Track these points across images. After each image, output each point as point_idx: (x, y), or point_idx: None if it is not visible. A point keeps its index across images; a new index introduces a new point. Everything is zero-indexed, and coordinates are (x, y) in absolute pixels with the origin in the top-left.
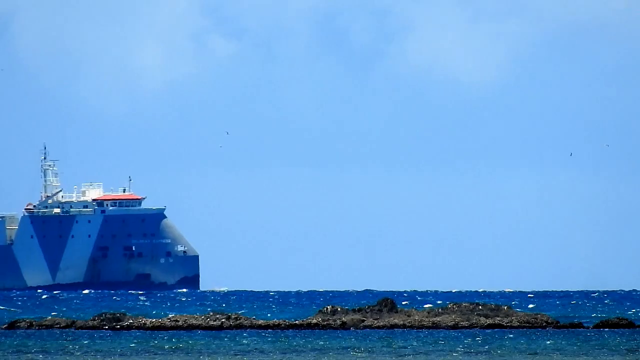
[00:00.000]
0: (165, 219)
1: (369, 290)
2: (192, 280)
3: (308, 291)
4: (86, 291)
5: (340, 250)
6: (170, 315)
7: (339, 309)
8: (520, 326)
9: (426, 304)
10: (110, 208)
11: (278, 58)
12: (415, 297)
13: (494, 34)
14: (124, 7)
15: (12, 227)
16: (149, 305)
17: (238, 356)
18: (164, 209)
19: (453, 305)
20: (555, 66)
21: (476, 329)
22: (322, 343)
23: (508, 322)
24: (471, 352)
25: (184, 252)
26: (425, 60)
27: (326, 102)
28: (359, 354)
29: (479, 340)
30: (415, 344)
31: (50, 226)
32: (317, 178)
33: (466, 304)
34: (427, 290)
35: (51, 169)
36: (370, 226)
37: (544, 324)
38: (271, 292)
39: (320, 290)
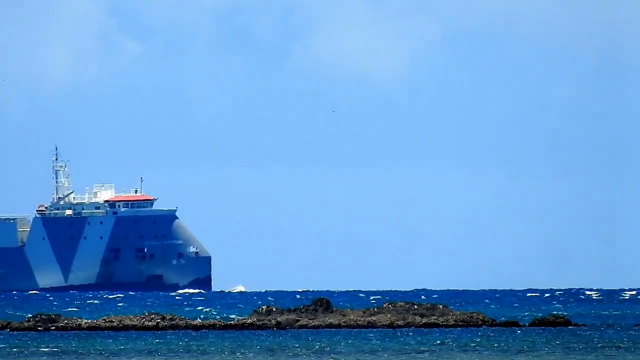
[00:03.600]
0: (177, 220)
1: (376, 290)
2: (204, 281)
3: (326, 291)
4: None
5: (341, 250)
6: (104, 317)
7: (274, 309)
8: (456, 325)
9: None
10: (122, 209)
11: (184, 56)
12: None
13: (400, 30)
14: (31, 6)
15: (24, 229)
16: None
17: (163, 356)
18: (176, 210)
19: (389, 304)
20: (463, 63)
21: (412, 327)
22: (253, 342)
23: (444, 321)
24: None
25: (196, 253)
26: (332, 57)
27: (234, 100)
28: (286, 354)
29: (415, 337)
30: (347, 343)
31: (61, 228)
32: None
33: (402, 303)
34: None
35: (62, 170)
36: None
37: (480, 322)
38: (286, 291)
39: (339, 290)
